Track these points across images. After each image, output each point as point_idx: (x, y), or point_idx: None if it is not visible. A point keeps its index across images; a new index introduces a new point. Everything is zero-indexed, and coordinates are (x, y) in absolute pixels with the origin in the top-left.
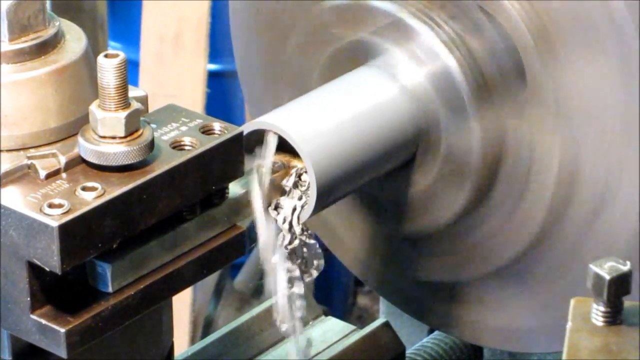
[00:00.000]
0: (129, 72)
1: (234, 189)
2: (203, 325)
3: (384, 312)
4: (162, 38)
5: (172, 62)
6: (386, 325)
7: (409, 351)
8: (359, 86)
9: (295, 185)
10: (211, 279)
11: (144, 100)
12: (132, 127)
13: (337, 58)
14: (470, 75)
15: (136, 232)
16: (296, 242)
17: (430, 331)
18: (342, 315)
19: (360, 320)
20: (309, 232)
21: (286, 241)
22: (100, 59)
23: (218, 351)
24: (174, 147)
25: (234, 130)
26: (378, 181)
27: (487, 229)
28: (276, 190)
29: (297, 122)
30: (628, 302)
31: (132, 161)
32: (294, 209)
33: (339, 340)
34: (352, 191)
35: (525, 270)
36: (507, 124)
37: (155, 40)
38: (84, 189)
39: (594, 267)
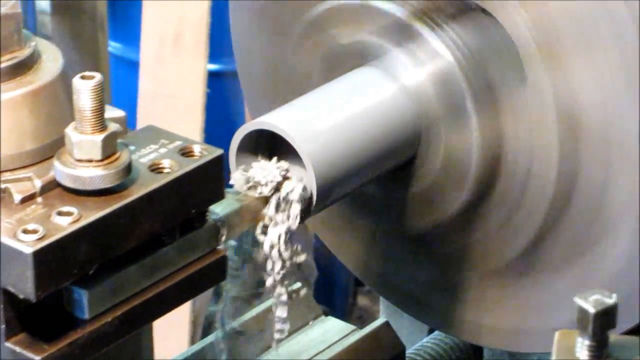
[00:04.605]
0: (130, 72)
1: (215, 212)
2: (203, 325)
3: (384, 312)
4: (162, 38)
5: (172, 62)
6: (386, 325)
7: (409, 351)
8: (359, 86)
9: (277, 208)
10: None
11: (122, 120)
12: (109, 150)
13: (337, 58)
14: (470, 75)
15: (114, 258)
16: (287, 265)
17: (430, 331)
18: (342, 315)
19: (360, 320)
20: (299, 249)
21: (277, 267)
22: (76, 80)
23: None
24: (152, 170)
25: (214, 152)
26: (378, 181)
27: (487, 229)
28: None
29: (297, 122)
30: (614, 336)
31: (109, 185)
32: (280, 237)
33: (339, 340)
34: (352, 191)
35: (525, 270)
36: (507, 124)
37: (155, 40)
38: (59, 213)
39: (578, 300)
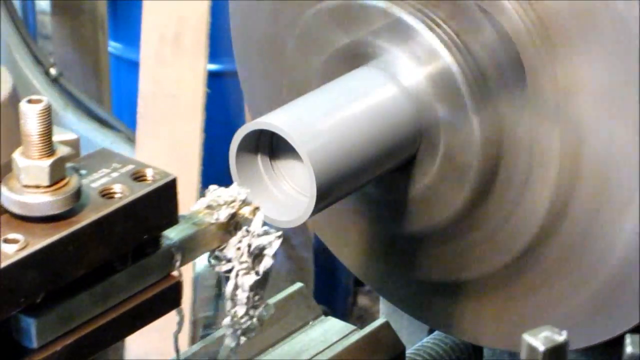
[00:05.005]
0: (130, 72)
1: (169, 237)
2: (203, 325)
3: (384, 312)
4: (162, 38)
5: (172, 62)
6: (386, 325)
7: (409, 351)
8: (358, 86)
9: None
10: (211, 279)
11: (75, 143)
12: (57, 176)
13: (336, 58)
14: (470, 75)
15: (62, 285)
16: (249, 314)
17: (430, 331)
18: (342, 315)
19: (360, 320)
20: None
21: (240, 312)
22: (23, 105)
23: (218, 351)
24: (103, 195)
25: (167, 177)
26: (378, 181)
27: (487, 229)
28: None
29: (297, 122)
30: None
31: (57, 212)
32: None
33: (339, 340)
34: (352, 191)
35: (525, 270)
36: (507, 124)
37: (155, 40)
38: (5, 241)
39: (527, 338)
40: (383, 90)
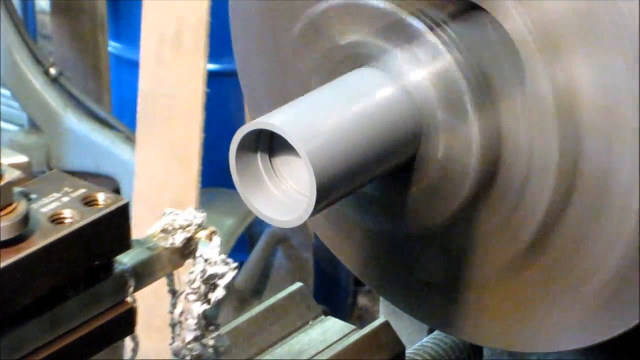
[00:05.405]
0: (130, 72)
1: (123, 262)
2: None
3: (384, 312)
4: (162, 38)
5: (172, 62)
6: (386, 325)
7: (409, 351)
8: (359, 86)
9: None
10: None
11: (25, 167)
12: (4, 202)
13: (336, 59)
14: (470, 75)
15: (11, 314)
16: (198, 340)
17: (430, 331)
18: (342, 315)
19: (360, 320)
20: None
21: (189, 338)
22: None
23: None
24: (53, 221)
25: (119, 201)
26: (378, 181)
27: (487, 229)
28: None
29: (297, 122)
30: None
31: (4, 238)
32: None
33: (339, 340)
34: (352, 191)
35: (525, 270)
36: (507, 124)
37: (155, 40)
38: None
39: None
40: (383, 90)
